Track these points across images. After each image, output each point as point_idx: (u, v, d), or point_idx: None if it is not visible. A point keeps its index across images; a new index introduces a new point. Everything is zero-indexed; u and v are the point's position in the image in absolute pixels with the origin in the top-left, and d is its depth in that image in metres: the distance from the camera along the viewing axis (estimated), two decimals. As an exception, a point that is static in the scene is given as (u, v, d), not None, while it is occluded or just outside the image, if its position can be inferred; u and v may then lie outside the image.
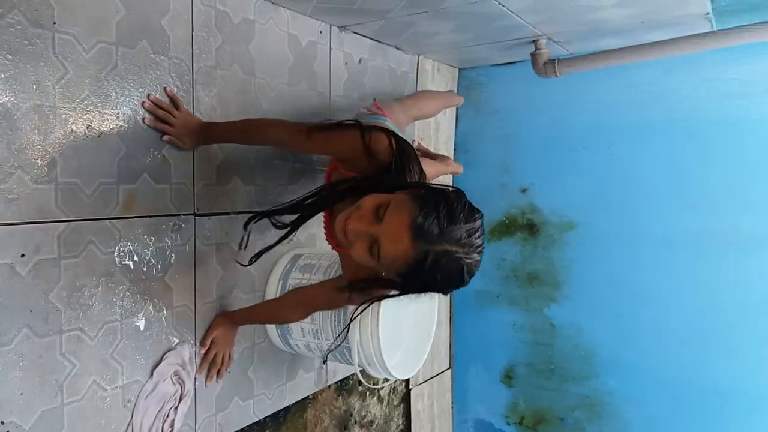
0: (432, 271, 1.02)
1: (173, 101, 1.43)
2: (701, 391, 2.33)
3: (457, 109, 2.78)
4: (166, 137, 1.42)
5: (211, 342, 1.55)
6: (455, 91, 2.75)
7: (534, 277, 2.64)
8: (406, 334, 1.83)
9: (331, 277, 1.63)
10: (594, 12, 1.89)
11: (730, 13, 1.93)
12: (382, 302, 1.52)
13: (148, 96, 1.38)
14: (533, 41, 2.24)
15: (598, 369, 2.52)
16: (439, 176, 2.44)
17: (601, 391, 2.52)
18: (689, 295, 2.32)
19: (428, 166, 2.22)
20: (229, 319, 1.59)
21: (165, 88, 1.42)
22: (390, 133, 1.21)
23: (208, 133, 1.48)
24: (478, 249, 1.07)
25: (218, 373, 1.58)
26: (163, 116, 1.40)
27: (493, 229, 2.72)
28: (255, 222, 1.35)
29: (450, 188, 1.11)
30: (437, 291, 1.11)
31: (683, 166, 2.33)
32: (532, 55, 2.27)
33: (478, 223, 1.07)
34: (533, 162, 2.61)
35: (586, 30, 2.10)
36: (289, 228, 1.31)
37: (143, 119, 1.38)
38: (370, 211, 1.04)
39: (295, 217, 1.31)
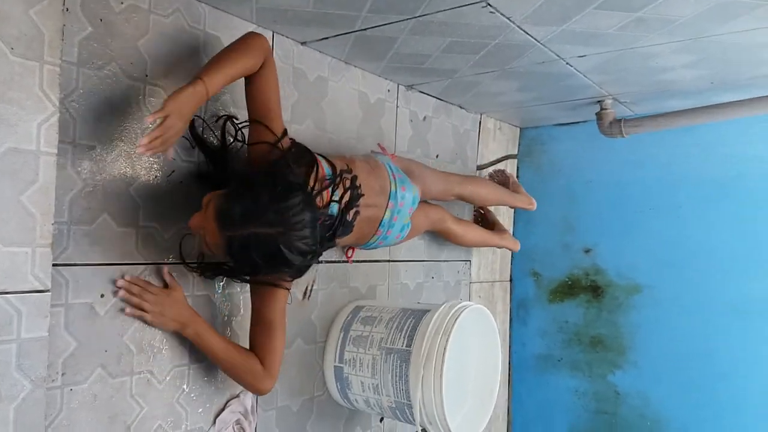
0: (245, 254, 1.14)
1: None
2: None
3: (517, 167, 2.77)
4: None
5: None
6: (517, 151, 2.75)
7: (598, 342, 2.54)
8: (469, 394, 1.78)
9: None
10: (663, 73, 1.89)
11: (805, 75, 1.89)
12: (446, 359, 1.50)
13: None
14: (598, 101, 2.24)
15: (666, 442, 2.38)
16: (486, 246, 2.36)
17: (669, 465, 2.37)
18: (765, 365, 2.18)
19: (477, 231, 2.20)
20: (186, 312, 1.32)
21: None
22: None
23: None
24: (298, 225, 1.15)
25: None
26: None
27: (555, 290, 2.65)
28: None
29: (265, 171, 1.24)
30: (268, 272, 1.23)
31: (754, 230, 2.23)
32: (598, 114, 2.26)
33: (294, 200, 1.16)
34: (597, 222, 2.56)
35: (653, 90, 2.09)
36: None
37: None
38: (204, 208, 1.17)
39: None
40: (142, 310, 1.25)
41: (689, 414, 2.33)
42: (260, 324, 1.37)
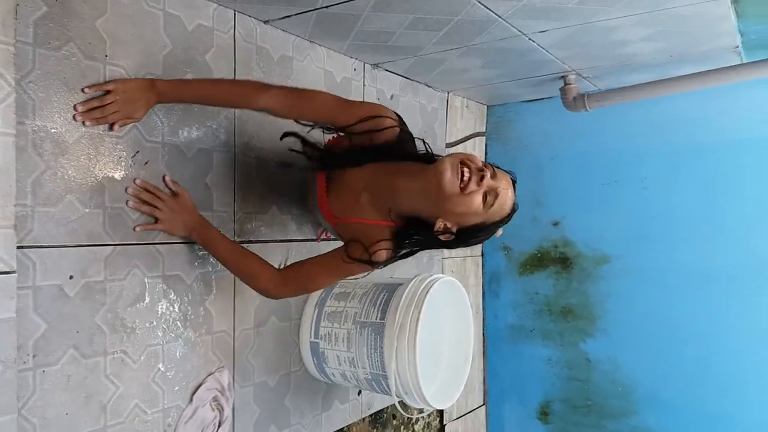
0: (510, 218, 1.33)
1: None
2: (743, 430, 2.24)
3: (486, 145, 2.81)
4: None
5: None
6: (485, 128, 2.78)
7: (568, 312, 2.60)
8: (442, 364, 1.82)
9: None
10: (623, 46, 1.92)
11: (759, 47, 1.94)
12: (419, 330, 1.54)
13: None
14: (562, 77, 2.27)
15: (636, 405, 2.45)
16: None
17: (640, 428, 2.44)
18: (731, 328, 2.26)
19: None
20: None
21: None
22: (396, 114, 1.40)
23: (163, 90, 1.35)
24: None
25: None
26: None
27: (525, 262, 2.71)
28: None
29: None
30: (484, 241, 1.44)
31: (717, 197, 2.30)
32: (562, 89, 2.30)
33: None
34: (565, 196, 2.61)
35: (614, 65, 2.13)
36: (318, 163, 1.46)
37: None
38: (487, 172, 1.25)
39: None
40: (154, 217, 1.33)
41: (657, 377, 2.40)
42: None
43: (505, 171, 1.33)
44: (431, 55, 1.98)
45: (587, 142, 2.56)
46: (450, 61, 2.05)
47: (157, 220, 1.34)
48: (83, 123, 1.22)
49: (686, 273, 2.35)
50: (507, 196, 1.29)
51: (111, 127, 1.27)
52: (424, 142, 1.43)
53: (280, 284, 1.39)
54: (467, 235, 1.33)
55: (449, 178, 1.23)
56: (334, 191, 1.46)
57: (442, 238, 1.32)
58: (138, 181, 1.32)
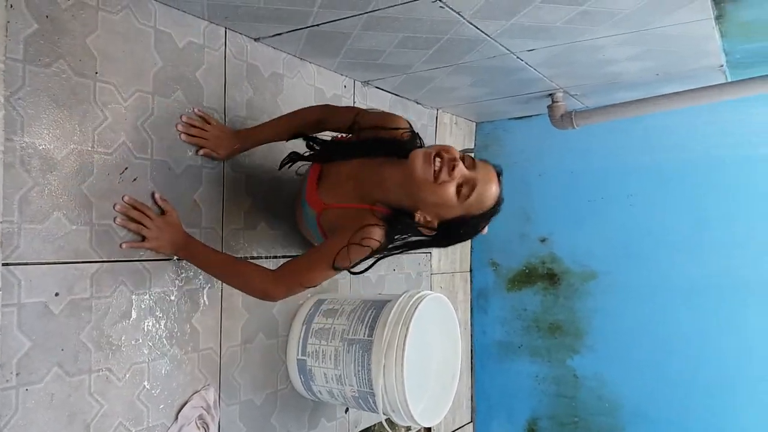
0: (494, 213, 1.34)
1: (204, 119, 1.49)
2: (731, 446, 2.25)
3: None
4: (202, 151, 1.48)
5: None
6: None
7: (556, 328, 2.61)
8: (430, 381, 1.81)
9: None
10: (609, 65, 1.95)
11: (743, 65, 1.98)
12: (407, 347, 1.53)
13: (181, 117, 1.44)
14: (550, 95, 2.30)
15: (623, 421, 2.45)
16: None
17: (627, 445, 2.45)
18: (717, 344, 2.28)
19: None
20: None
21: (194, 109, 1.47)
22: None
23: (246, 136, 1.54)
24: None
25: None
26: (197, 132, 1.46)
27: (513, 278, 2.72)
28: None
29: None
30: (469, 238, 1.43)
31: (703, 214, 2.33)
32: (549, 107, 2.32)
33: None
34: (552, 212, 2.63)
35: (601, 83, 2.16)
36: (318, 155, 1.53)
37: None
38: (461, 162, 1.26)
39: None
40: (141, 235, 1.32)
41: (644, 393, 2.41)
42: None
43: (493, 165, 1.35)
44: (421, 73, 2.00)
45: (575, 159, 2.58)
46: (439, 79, 2.07)
47: (144, 238, 1.33)
48: (180, 134, 1.42)
49: (673, 289, 2.37)
50: (486, 188, 1.28)
51: (197, 152, 1.47)
52: (419, 138, 1.46)
53: (275, 282, 1.35)
54: (449, 230, 1.34)
55: (421, 166, 1.25)
56: (324, 182, 1.50)
57: (424, 232, 1.35)
58: (126, 198, 1.31)
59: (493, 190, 1.30)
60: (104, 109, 1.27)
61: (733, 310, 2.26)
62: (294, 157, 1.56)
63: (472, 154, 1.45)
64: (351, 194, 1.44)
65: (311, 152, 1.54)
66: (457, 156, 1.27)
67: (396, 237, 1.39)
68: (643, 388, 2.41)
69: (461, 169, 1.25)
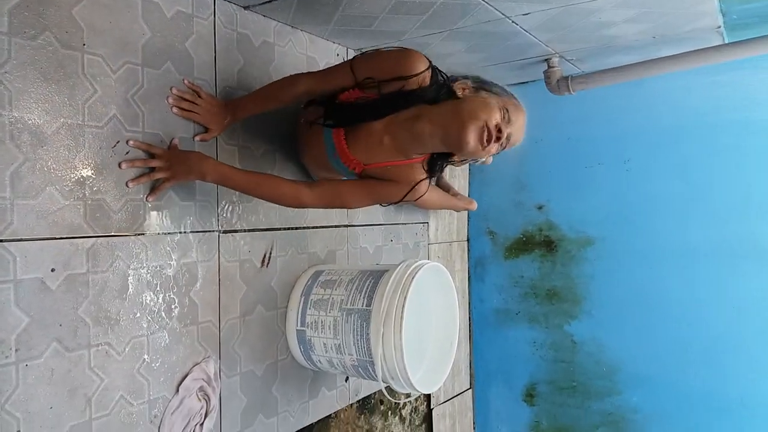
0: None
1: (195, 91, 1.47)
2: (727, 406, 2.29)
3: (471, 129, 2.80)
4: (199, 136, 1.48)
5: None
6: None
7: (553, 294, 2.63)
8: (428, 348, 1.83)
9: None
10: (605, 28, 1.92)
11: (740, 27, 1.95)
12: (405, 316, 1.54)
13: (171, 89, 1.42)
14: (545, 60, 2.27)
15: (620, 385, 2.49)
16: (445, 208, 2.45)
17: (625, 407, 2.49)
18: (712, 307, 2.30)
19: (435, 193, 2.23)
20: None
21: (184, 80, 1.45)
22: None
23: (235, 108, 1.52)
24: None
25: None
26: (189, 106, 1.44)
27: (510, 246, 2.72)
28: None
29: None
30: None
31: (700, 178, 2.33)
32: (545, 73, 2.30)
33: None
34: (549, 179, 2.62)
35: (597, 47, 2.13)
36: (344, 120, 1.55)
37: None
38: (503, 113, 1.43)
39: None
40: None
41: (641, 357, 2.44)
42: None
43: (515, 100, 1.51)
44: (415, 39, 1.97)
45: (571, 125, 2.57)
46: (433, 45, 2.04)
47: (154, 170, 1.34)
48: (171, 107, 1.40)
49: (668, 254, 2.38)
50: (519, 137, 1.48)
51: (194, 137, 1.47)
52: (440, 72, 1.51)
53: (310, 187, 1.50)
54: None
55: (474, 144, 1.40)
56: (356, 142, 1.56)
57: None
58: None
59: (523, 131, 1.50)
60: (93, 82, 1.25)
61: (727, 274, 2.28)
62: (328, 124, 1.57)
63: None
64: (389, 151, 1.54)
65: (332, 120, 1.55)
66: (501, 121, 1.40)
67: (438, 165, 1.60)
68: (640, 351, 2.44)
69: (505, 133, 1.41)
